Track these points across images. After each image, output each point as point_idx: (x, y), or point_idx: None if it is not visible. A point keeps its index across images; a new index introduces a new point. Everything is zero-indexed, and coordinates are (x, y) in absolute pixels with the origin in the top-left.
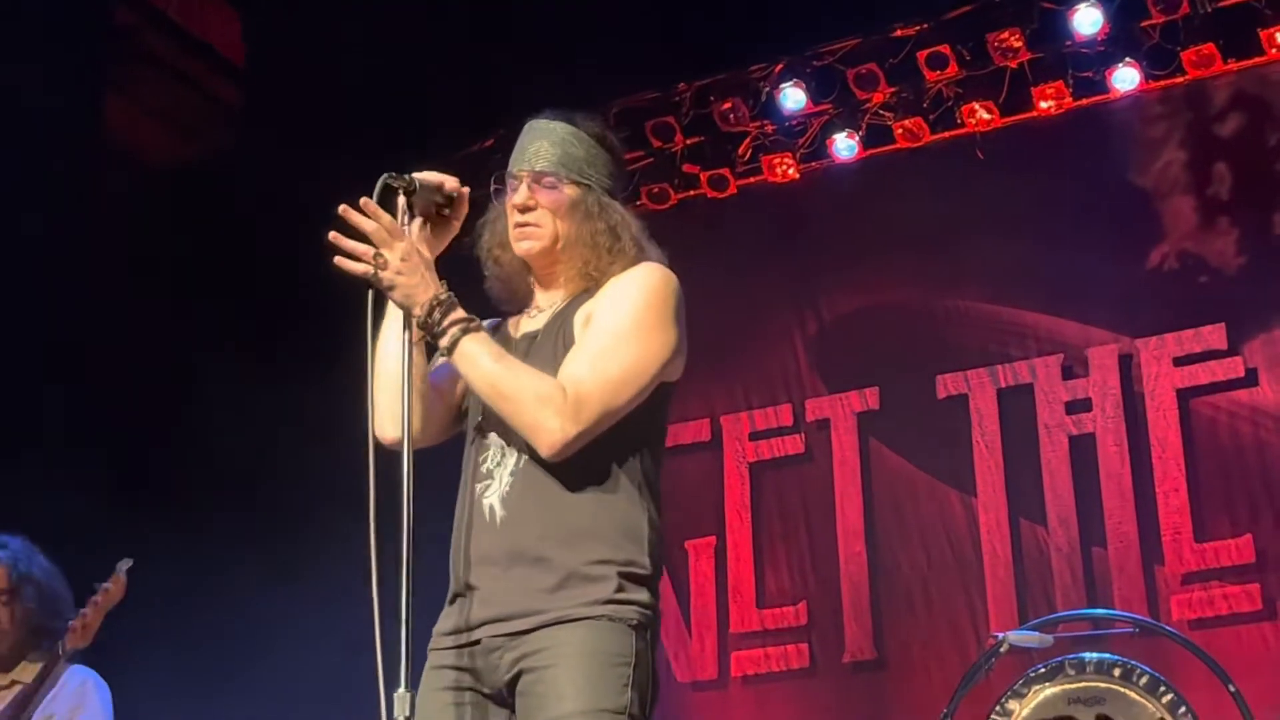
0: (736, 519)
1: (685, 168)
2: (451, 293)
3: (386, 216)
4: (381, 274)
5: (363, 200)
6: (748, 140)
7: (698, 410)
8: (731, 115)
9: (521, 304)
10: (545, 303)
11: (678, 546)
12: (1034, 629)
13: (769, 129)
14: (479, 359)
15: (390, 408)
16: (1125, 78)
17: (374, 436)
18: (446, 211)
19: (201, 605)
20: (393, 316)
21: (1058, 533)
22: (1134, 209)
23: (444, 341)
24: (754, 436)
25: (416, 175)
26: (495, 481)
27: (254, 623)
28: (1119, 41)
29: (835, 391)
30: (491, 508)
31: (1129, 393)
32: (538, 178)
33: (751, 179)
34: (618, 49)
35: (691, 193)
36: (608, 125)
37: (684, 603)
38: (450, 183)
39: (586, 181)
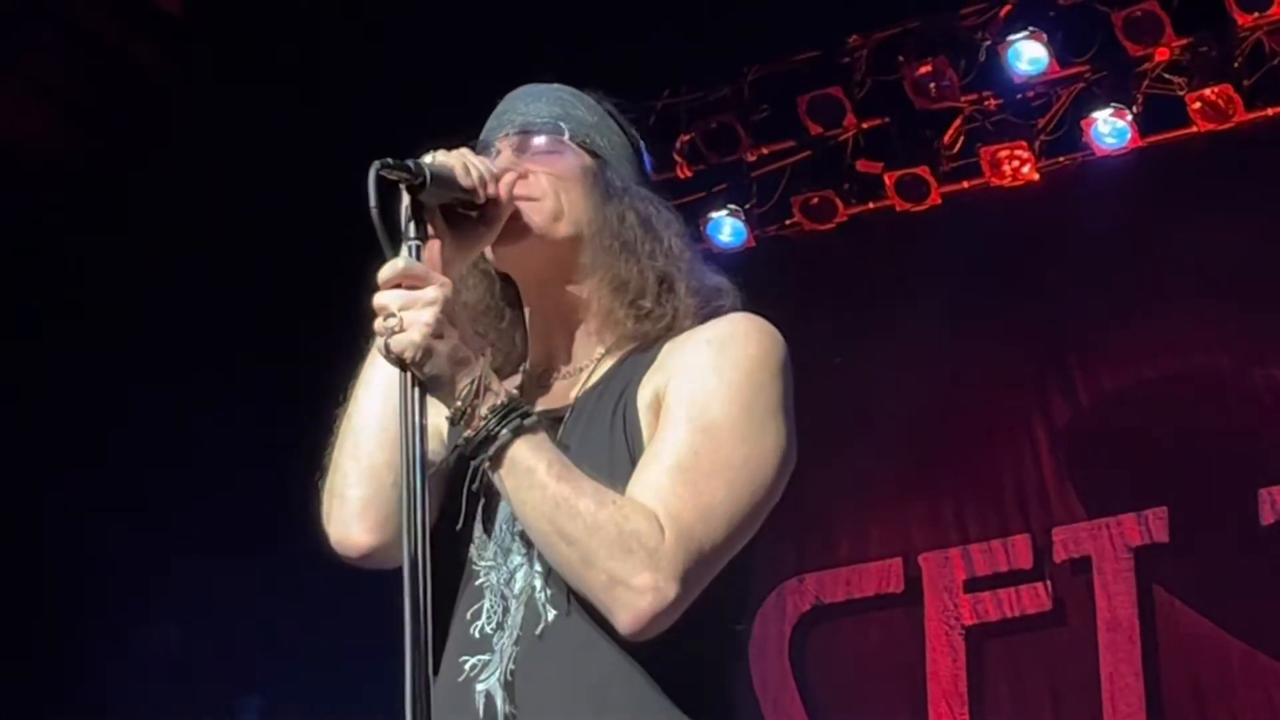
0: (947, 714)
1: (860, 165)
2: (490, 361)
3: (408, 264)
4: (396, 341)
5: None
6: (958, 123)
7: (883, 545)
8: (932, 85)
9: (502, 360)
10: (559, 360)
11: None
12: None
13: (991, 105)
14: (534, 475)
15: (369, 503)
16: None
17: (333, 537)
18: (475, 214)
19: None
20: (383, 364)
21: None
22: None
23: (487, 449)
24: (972, 587)
25: (427, 161)
26: (495, 656)
27: None
28: None
29: (1099, 516)
30: (489, 699)
31: None
32: (524, 140)
33: (964, 183)
34: None
35: (871, 205)
36: (742, 99)
37: None
38: (475, 172)
39: (598, 152)
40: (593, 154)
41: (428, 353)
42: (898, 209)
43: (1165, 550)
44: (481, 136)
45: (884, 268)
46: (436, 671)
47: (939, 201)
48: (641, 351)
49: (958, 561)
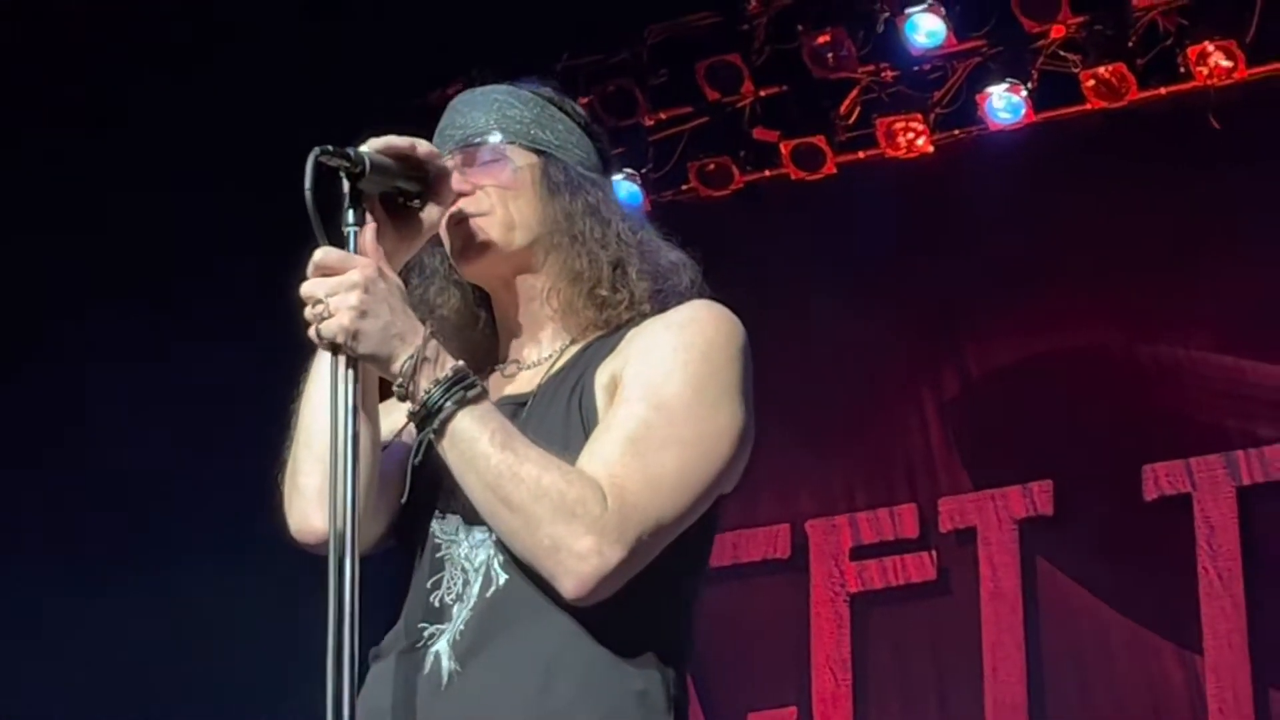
0: (829, 680)
1: (757, 133)
2: (437, 335)
3: (328, 251)
4: (325, 326)
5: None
6: (855, 93)
7: (770, 511)
8: (830, 55)
9: (481, 362)
10: (528, 354)
11: None
12: None
13: (888, 77)
14: (476, 444)
15: (324, 490)
16: None
17: (295, 529)
18: (415, 203)
19: None
20: (326, 357)
21: None
22: None
23: (431, 423)
24: (858, 554)
25: (366, 148)
26: (451, 624)
27: None
28: None
29: (985, 487)
30: (436, 658)
31: None
32: (468, 155)
33: (860, 153)
34: None
35: (767, 173)
36: (641, 64)
37: None
38: (419, 152)
39: (541, 148)
40: (536, 151)
41: (356, 335)
42: (793, 177)
43: (1050, 523)
44: None
45: (778, 236)
46: (384, 642)
47: (834, 171)
48: (604, 339)
49: (845, 529)
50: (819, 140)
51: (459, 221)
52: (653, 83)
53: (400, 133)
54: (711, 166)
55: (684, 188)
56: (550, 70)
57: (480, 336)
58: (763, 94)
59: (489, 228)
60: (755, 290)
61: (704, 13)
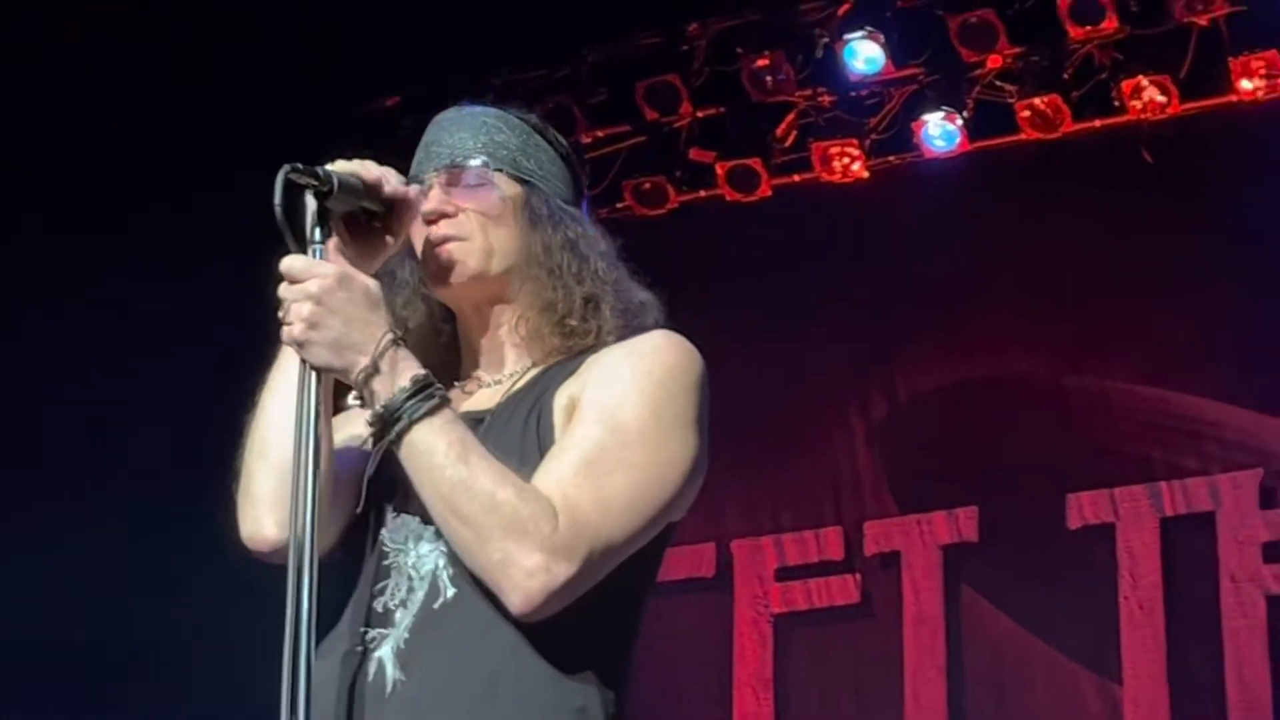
0: (751, 700)
1: (694, 154)
2: (401, 339)
3: (292, 261)
4: (283, 332)
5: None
6: (792, 116)
7: (696, 530)
8: (769, 78)
9: (442, 376)
10: (489, 373)
11: None
12: None
13: (825, 101)
14: (432, 456)
15: (277, 500)
16: None
17: (246, 537)
18: (377, 224)
19: None
20: (289, 363)
21: None
22: None
23: (388, 433)
24: (783, 575)
25: (334, 168)
26: (395, 629)
27: None
28: None
29: (911, 511)
30: (380, 665)
31: None
32: (453, 176)
33: (795, 176)
34: None
35: (702, 193)
36: (580, 81)
37: None
38: (387, 182)
39: (525, 178)
40: (520, 180)
41: (305, 344)
42: (728, 198)
43: (974, 549)
44: (411, 170)
45: (712, 256)
46: (323, 644)
47: (769, 193)
48: (565, 362)
49: (770, 550)
50: (755, 162)
51: (439, 243)
52: (591, 101)
53: (354, 149)
54: (647, 185)
55: (619, 205)
56: (489, 85)
57: (442, 351)
58: (700, 115)
59: (468, 253)
60: (687, 309)
61: (645, 33)
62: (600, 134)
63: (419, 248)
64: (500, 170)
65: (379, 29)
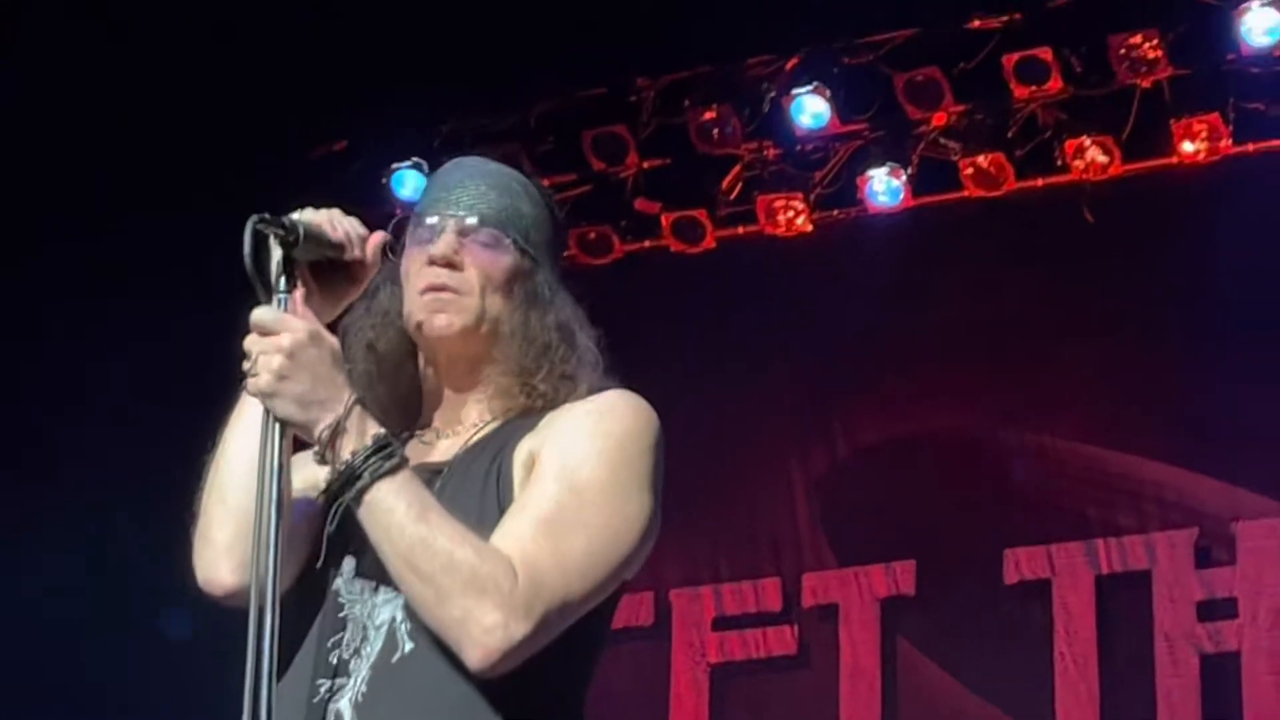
0: None
1: (639, 204)
2: (361, 401)
3: (263, 313)
4: (250, 383)
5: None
6: (738, 169)
7: (635, 578)
8: (715, 130)
9: (398, 418)
10: (449, 423)
11: None
12: None
13: (771, 154)
14: (392, 515)
15: (234, 544)
16: None
17: (202, 580)
18: (342, 272)
19: None
20: (250, 410)
21: None
22: None
23: (348, 491)
24: (720, 625)
25: (301, 218)
26: (350, 680)
27: None
28: None
29: (849, 564)
30: (339, 716)
31: None
32: (470, 228)
33: (740, 229)
34: (544, 23)
35: (646, 243)
36: (527, 130)
37: None
38: (342, 230)
39: (533, 254)
40: (528, 255)
41: (272, 395)
42: (673, 249)
43: (911, 602)
44: (424, 200)
45: (656, 307)
46: (278, 690)
47: (714, 245)
48: (524, 417)
49: (708, 599)
50: (700, 214)
51: (437, 288)
52: (538, 149)
53: (302, 192)
54: (593, 235)
55: (563, 255)
56: (436, 132)
57: (404, 384)
58: (646, 166)
59: (461, 309)
60: (629, 359)
61: (594, 88)
62: (546, 183)
63: (413, 280)
64: (514, 240)
65: (328, 73)
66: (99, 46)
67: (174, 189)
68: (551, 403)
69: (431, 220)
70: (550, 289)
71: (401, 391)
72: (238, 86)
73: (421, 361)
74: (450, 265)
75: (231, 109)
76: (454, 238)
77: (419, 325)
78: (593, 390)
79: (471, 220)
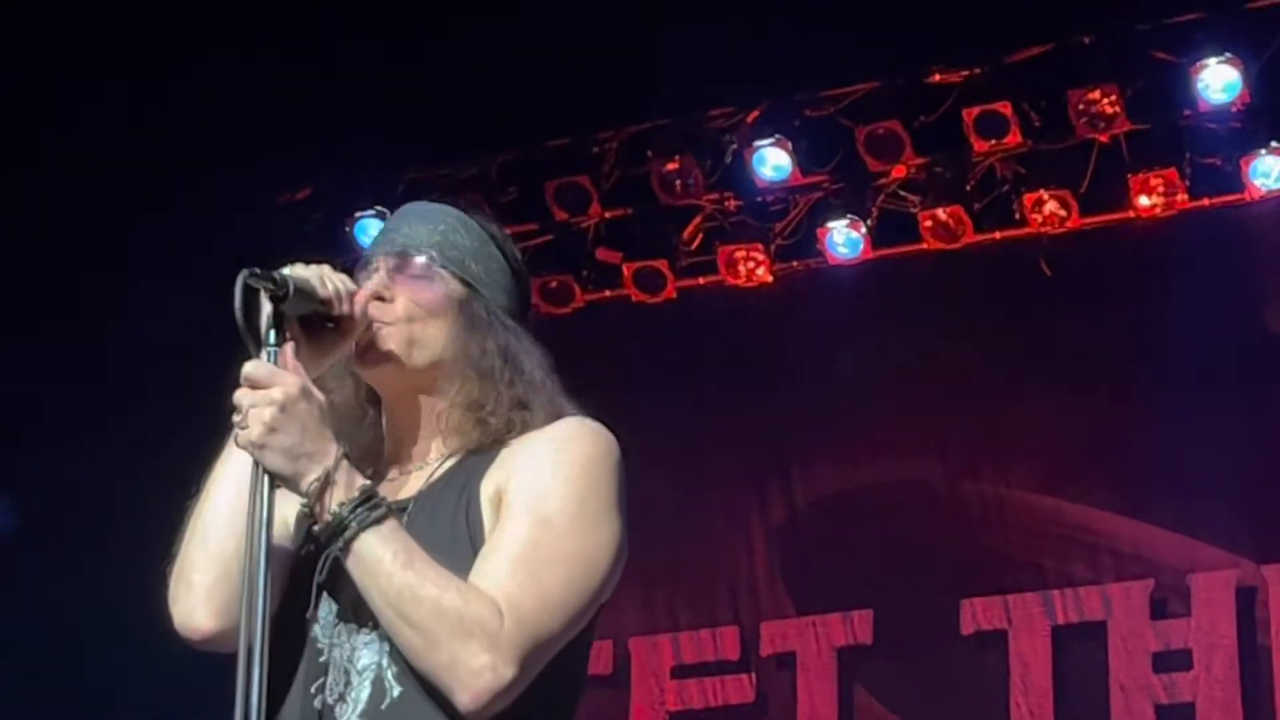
0: None
1: (600, 254)
2: (346, 455)
3: (256, 366)
4: (239, 436)
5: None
6: (699, 220)
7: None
8: (677, 182)
9: (366, 464)
10: (412, 461)
11: None
12: None
13: (732, 205)
14: (380, 563)
15: (214, 590)
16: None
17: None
18: (330, 325)
19: None
20: (236, 459)
21: None
22: None
23: (336, 541)
24: (679, 673)
25: (291, 273)
26: None
27: None
28: (1264, 116)
29: (807, 613)
30: None
31: (1249, 644)
32: (401, 263)
33: (700, 279)
34: (509, 69)
35: (607, 293)
36: (489, 180)
37: None
38: (331, 287)
39: (470, 281)
40: (465, 282)
41: (263, 448)
42: (634, 299)
43: (868, 651)
44: (367, 250)
45: (617, 356)
46: None
47: (674, 295)
48: (484, 451)
49: (667, 648)
50: (661, 264)
51: (368, 324)
52: (501, 199)
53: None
54: (554, 284)
55: (525, 293)
56: (399, 181)
57: (367, 431)
58: (608, 216)
59: (388, 338)
60: (589, 408)
61: (557, 138)
62: (508, 231)
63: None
64: (447, 268)
65: (291, 122)
66: (63, 90)
67: (141, 240)
68: (509, 433)
69: (371, 263)
70: (490, 313)
71: (365, 439)
72: (202, 134)
73: (382, 408)
74: (380, 299)
75: (196, 156)
76: (384, 274)
77: (356, 360)
78: (550, 417)
79: (402, 254)
